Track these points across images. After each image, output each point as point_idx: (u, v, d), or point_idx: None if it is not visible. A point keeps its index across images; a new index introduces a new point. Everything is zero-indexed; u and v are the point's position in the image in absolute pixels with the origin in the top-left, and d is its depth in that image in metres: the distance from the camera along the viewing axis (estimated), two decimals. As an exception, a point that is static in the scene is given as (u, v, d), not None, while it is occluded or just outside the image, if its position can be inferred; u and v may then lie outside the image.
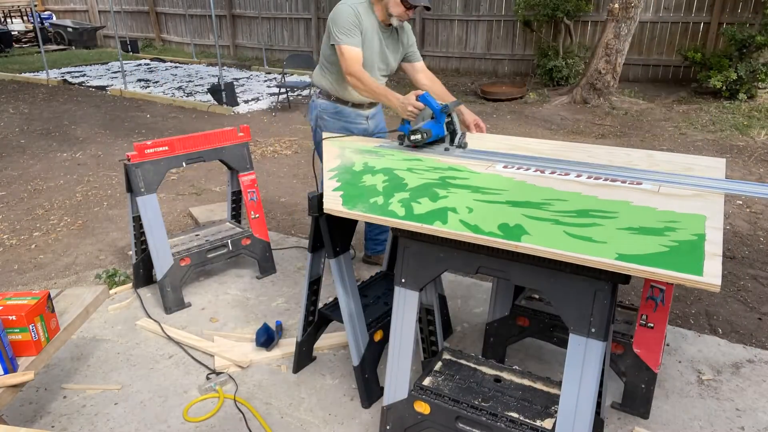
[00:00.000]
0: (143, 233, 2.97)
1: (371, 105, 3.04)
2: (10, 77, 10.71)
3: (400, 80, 10.29)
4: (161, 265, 2.91)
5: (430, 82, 3.03)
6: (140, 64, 12.50)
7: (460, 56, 10.81)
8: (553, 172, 2.07)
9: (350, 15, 2.72)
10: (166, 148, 2.92)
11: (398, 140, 2.53)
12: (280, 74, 9.62)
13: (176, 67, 12.24)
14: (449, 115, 2.43)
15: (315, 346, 2.57)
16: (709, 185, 1.91)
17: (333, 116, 2.97)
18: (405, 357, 1.94)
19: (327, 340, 2.66)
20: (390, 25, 2.82)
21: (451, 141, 2.45)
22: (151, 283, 3.20)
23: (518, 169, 2.13)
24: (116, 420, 2.22)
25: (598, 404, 1.97)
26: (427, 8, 2.72)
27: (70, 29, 15.38)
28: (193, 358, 2.58)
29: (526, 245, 1.55)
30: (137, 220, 3.01)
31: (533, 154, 2.36)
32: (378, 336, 2.33)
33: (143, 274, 3.19)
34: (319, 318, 2.46)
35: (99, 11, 16.24)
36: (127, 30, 15.19)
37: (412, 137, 2.38)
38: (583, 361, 1.61)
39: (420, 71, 3.07)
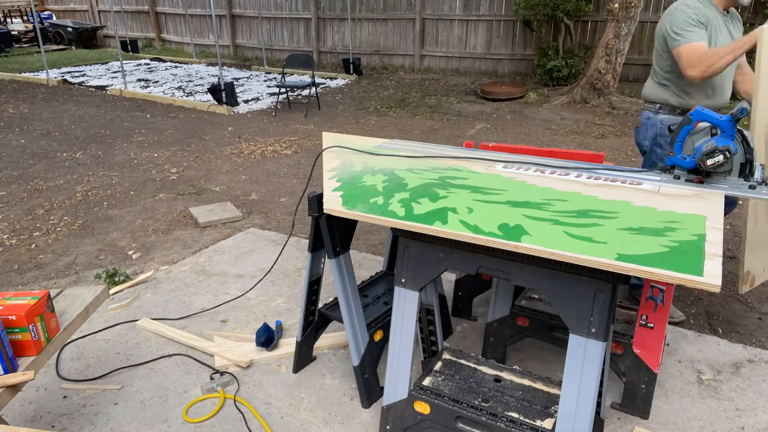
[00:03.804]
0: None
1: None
2: (10, 77, 10.71)
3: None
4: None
5: (740, 77, 2.79)
6: (140, 64, 12.51)
7: (460, 56, 10.81)
8: (553, 172, 2.07)
9: (688, 12, 2.51)
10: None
11: (665, 173, 1.99)
12: (280, 74, 9.63)
13: (176, 66, 12.25)
14: (740, 131, 1.88)
15: (315, 346, 2.57)
16: (709, 186, 1.91)
17: None
18: (405, 357, 1.94)
19: (327, 340, 2.66)
20: (727, 11, 2.58)
21: (750, 171, 1.88)
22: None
23: (518, 169, 2.13)
24: (116, 420, 2.22)
25: (598, 404, 1.97)
26: None
27: (70, 29, 15.39)
28: (192, 358, 2.58)
29: (526, 245, 1.55)
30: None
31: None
32: (378, 336, 2.33)
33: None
34: (319, 318, 2.46)
35: (99, 11, 16.23)
36: (127, 30, 15.19)
37: (710, 161, 1.81)
38: (583, 361, 1.61)
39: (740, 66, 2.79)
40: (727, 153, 1.78)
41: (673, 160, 1.96)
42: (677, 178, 1.95)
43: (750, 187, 1.83)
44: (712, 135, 1.88)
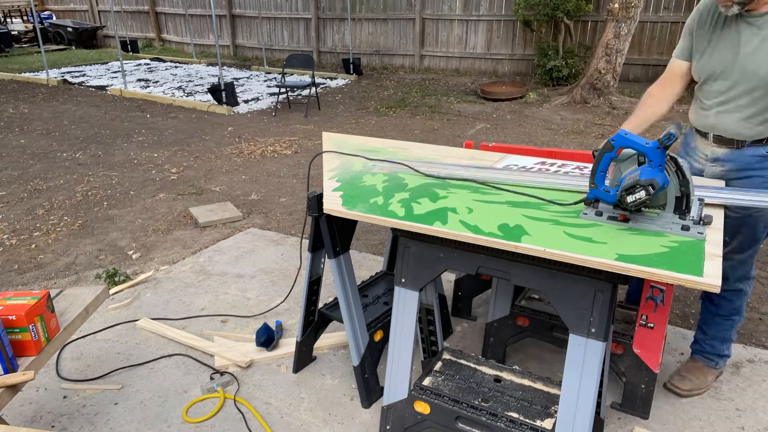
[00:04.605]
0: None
1: (721, 143, 2.04)
2: (10, 77, 10.71)
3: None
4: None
5: None
6: (140, 64, 12.50)
7: (460, 56, 10.81)
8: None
9: (692, 16, 2.07)
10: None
11: (588, 207, 1.70)
12: (280, 74, 9.63)
13: (176, 67, 12.25)
14: (673, 159, 1.57)
15: (315, 346, 2.57)
16: (709, 194, 1.91)
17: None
18: (405, 357, 1.94)
19: (327, 340, 2.66)
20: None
21: (686, 206, 1.57)
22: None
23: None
24: (116, 420, 2.22)
25: (598, 404, 1.97)
26: None
27: (70, 29, 15.39)
28: (192, 358, 2.58)
29: (526, 246, 1.55)
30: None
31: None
32: (378, 336, 2.33)
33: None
34: (319, 318, 2.46)
35: (99, 11, 16.23)
36: (127, 30, 15.19)
37: (630, 198, 1.51)
38: (583, 361, 1.61)
39: None
40: (650, 188, 1.47)
41: (595, 193, 1.65)
42: (599, 214, 1.66)
43: (683, 227, 1.54)
44: (639, 164, 1.58)
